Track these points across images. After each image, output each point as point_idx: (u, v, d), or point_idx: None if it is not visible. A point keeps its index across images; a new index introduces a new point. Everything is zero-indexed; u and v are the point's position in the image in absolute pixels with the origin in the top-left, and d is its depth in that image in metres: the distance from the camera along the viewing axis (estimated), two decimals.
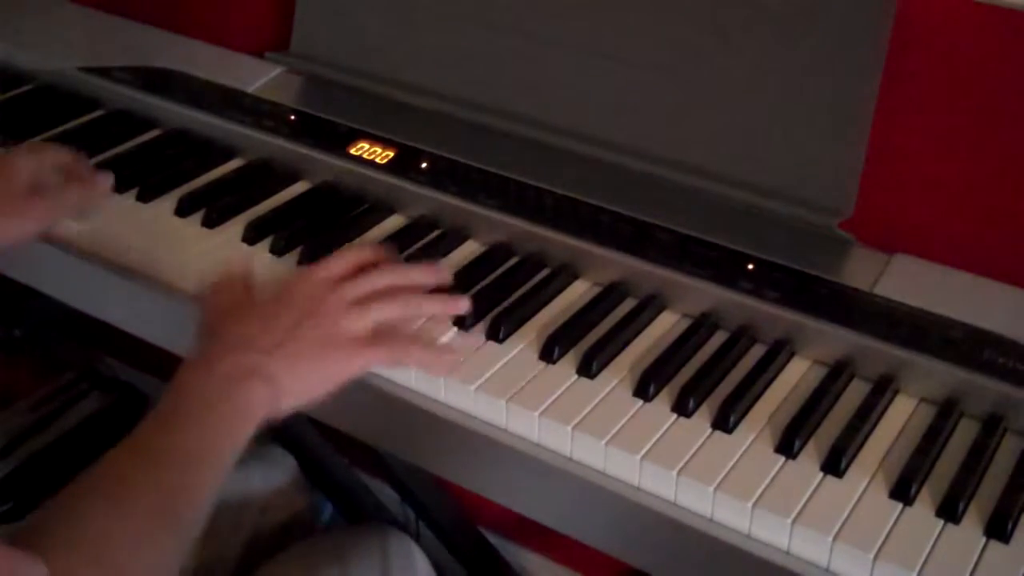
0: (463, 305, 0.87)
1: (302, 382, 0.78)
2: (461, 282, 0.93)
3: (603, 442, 0.78)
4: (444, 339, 0.87)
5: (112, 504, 0.69)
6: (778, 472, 0.76)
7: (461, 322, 0.88)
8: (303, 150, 1.08)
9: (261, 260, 0.97)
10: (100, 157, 1.11)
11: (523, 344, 0.88)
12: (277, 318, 0.79)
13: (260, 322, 0.79)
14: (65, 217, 0.98)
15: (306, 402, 0.79)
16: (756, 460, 0.77)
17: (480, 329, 0.88)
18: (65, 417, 1.57)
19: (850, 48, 0.91)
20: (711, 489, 0.75)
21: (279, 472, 1.19)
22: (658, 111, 1.00)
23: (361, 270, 0.85)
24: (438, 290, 0.87)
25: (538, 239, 0.96)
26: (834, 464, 0.76)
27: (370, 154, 1.06)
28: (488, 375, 0.84)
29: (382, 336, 0.81)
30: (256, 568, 1.05)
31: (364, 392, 0.86)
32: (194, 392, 0.76)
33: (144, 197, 1.05)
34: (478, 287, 0.93)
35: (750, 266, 0.90)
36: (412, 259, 0.97)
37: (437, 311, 0.87)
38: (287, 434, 1.29)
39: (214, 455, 0.74)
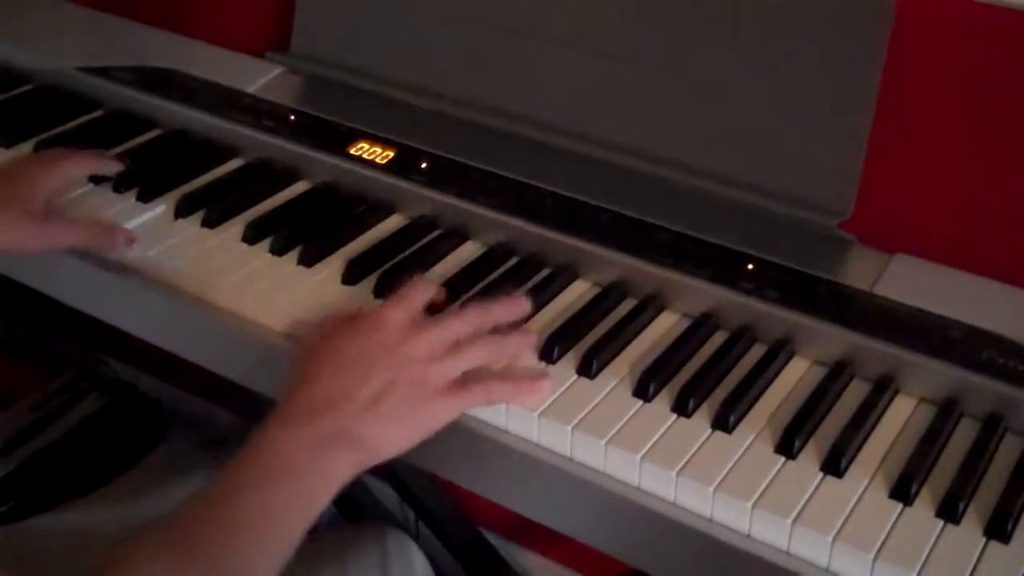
0: (533, 340, 0.85)
1: (392, 439, 0.77)
2: (461, 282, 0.93)
3: (603, 442, 0.78)
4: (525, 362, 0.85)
5: (174, 557, 0.68)
6: (778, 472, 0.76)
7: None
8: (303, 150, 1.08)
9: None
10: (105, 153, 1.11)
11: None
12: (365, 374, 0.77)
13: (351, 380, 0.77)
14: (70, 245, 0.98)
15: (394, 456, 0.78)
16: (756, 460, 0.77)
17: None
18: (65, 417, 1.57)
19: (850, 48, 0.91)
20: (711, 489, 0.74)
21: None
22: (658, 111, 1.00)
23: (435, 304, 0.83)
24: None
25: (538, 239, 0.96)
26: (834, 464, 0.76)
27: (370, 154, 1.06)
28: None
29: (470, 380, 0.80)
30: None
31: None
32: (277, 453, 0.73)
33: (144, 197, 1.05)
34: (478, 287, 0.93)
35: (750, 266, 0.90)
36: (413, 259, 0.97)
37: (521, 351, 0.84)
38: None
39: (289, 522, 0.72)
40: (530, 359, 0.85)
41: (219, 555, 0.69)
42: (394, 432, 0.77)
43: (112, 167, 1.06)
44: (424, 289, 0.84)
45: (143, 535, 0.69)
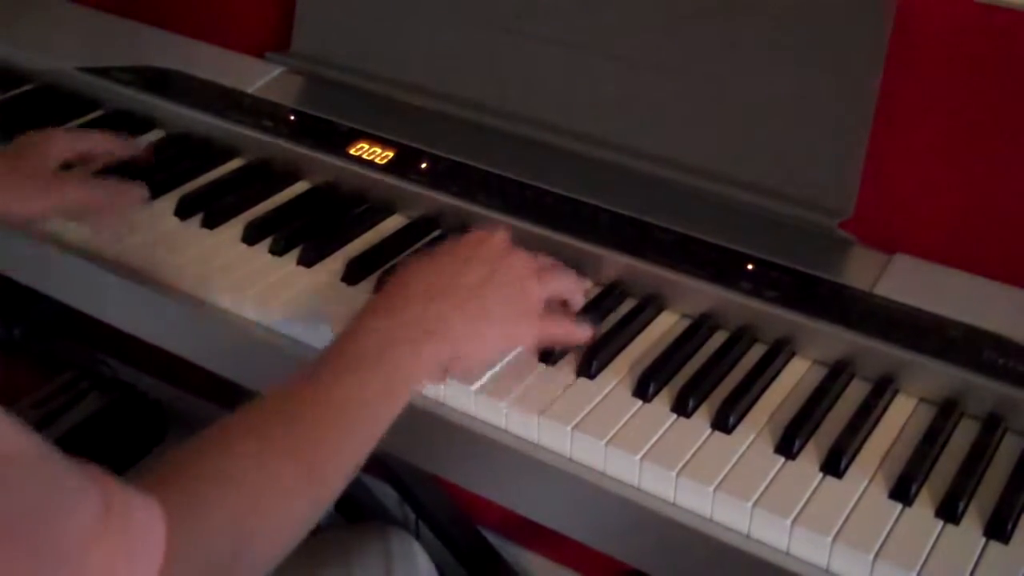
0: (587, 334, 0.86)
1: (479, 339, 0.78)
2: None
3: (603, 442, 0.78)
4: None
5: (256, 449, 0.66)
6: (778, 472, 0.76)
7: None
8: (303, 150, 1.08)
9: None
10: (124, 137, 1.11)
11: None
12: (464, 273, 0.79)
13: (448, 276, 0.79)
14: (85, 206, 0.98)
15: (477, 364, 0.79)
16: (756, 460, 0.77)
17: None
18: (65, 417, 1.57)
19: (850, 48, 0.91)
20: (711, 489, 0.74)
21: None
22: (658, 111, 1.00)
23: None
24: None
25: (538, 239, 0.96)
26: (834, 464, 0.76)
27: (370, 154, 1.06)
28: (488, 376, 0.84)
29: (551, 313, 0.83)
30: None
31: None
32: (371, 337, 0.74)
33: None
34: None
35: (750, 266, 0.90)
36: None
37: (580, 300, 0.89)
38: None
39: (378, 411, 0.72)
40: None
41: (314, 436, 0.68)
42: (484, 331, 0.78)
43: (128, 149, 1.07)
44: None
45: (215, 430, 0.67)
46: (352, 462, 0.71)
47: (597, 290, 0.94)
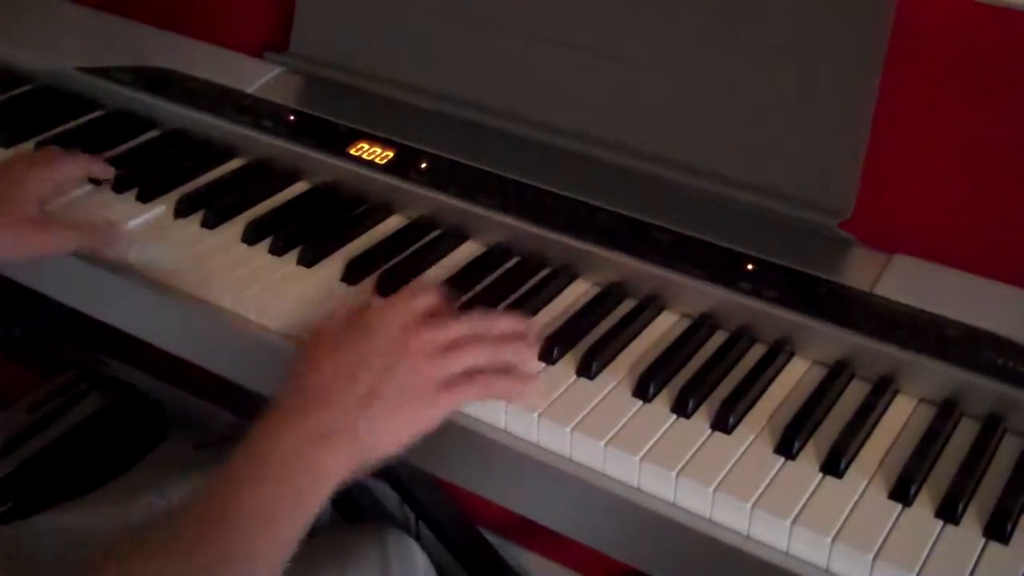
0: (534, 350, 0.85)
1: (386, 436, 0.76)
2: (461, 283, 0.93)
3: (602, 443, 0.78)
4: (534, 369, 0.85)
5: (166, 559, 0.67)
6: (777, 473, 0.76)
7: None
8: (303, 150, 1.08)
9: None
10: (100, 157, 1.11)
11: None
12: (361, 368, 0.76)
13: (343, 375, 0.76)
14: (66, 250, 0.98)
15: (390, 454, 0.76)
16: (755, 461, 0.77)
17: None
18: (65, 417, 1.57)
19: (850, 48, 0.91)
20: (710, 490, 0.74)
21: None
22: (658, 111, 1.00)
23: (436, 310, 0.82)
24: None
25: (538, 239, 0.96)
26: (833, 465, 0.76)
27: (370, 154, 1.06)
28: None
29: (467, 377, 0.78)
30: None
31: None
32: (270, 451, 0.72)
33: (143, 197, 1.05)
34: (478, 288, 0.93)
35: (750, 266, 0.90)
36: (413, 259, 0.97)
37: (520, 354, 0.83)
38: None
39: (286, 521, 0.71)
40: (531, 364, 0.84)
41: (215, 558, 0.68)
42: (389, 428, 0.76)
43: (105, 172, 1.06)
44: (426, 292, 0.82)
45: (136, 536, 0.68)
46: (260, 564, 0.70)
47: (597, 290, 0.94)
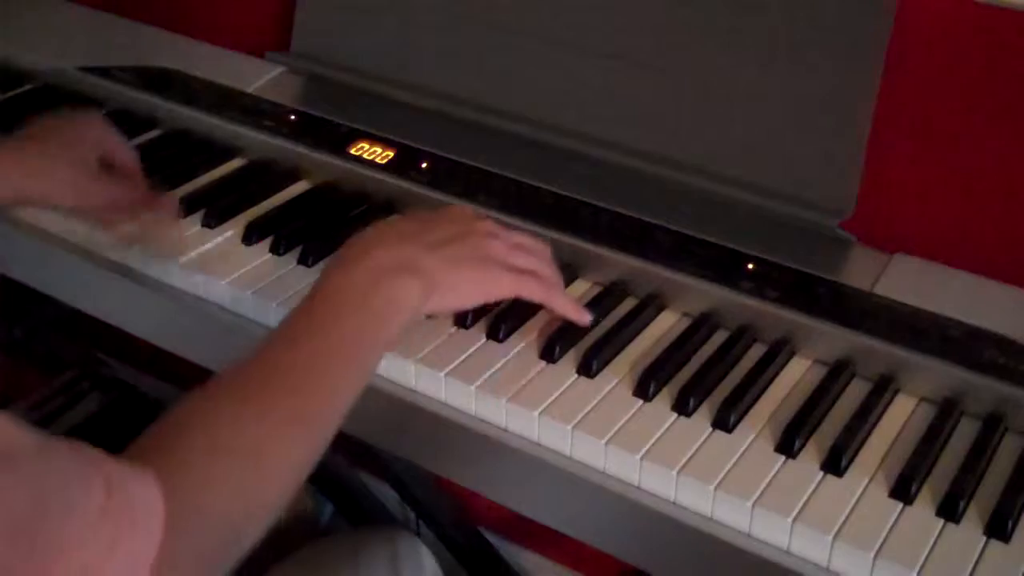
0: (586, 319, 0.87)
1: (457, 284, 0.77)
2: None
3: (603, 441, 0.78)
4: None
5: (244, 410, 0.65)
6: (778, 471, 0.76)
7: (462, 320, 0.88)
8: (303, 150, 1.08)
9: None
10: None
11: (524, 343, 0.88)
12: (432, 225, 0.78)
13: (416, 225, 0.78)
14: (112, 217, 0.96)
15: (455, 306, 0.78)
16: (756, 459, 0.77)
17: (481, 329, 0.89)
18: (65, 417, 1.57)
19: (850, 48, 0.91)
20: (711, 488, 0.75)
21: None
22: (658, 111, 1.00)
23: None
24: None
25: (538, 238, 0.96)
26: (834, 463, 0.76)
27: (370, 154, 1.06)
28: (488, 375, 0.84)
29: (528, 271, 0.82)
30: (264, 570, 1.05)
31: (364, 392, 0.86)
32: (340, 288, 0.72)
33: None
34: None
35: (750, 266, 0.90)
36: None
37: (568, 307, 0.86)
38: None
39: (361, 353, 0.71)
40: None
41: (292, 399, 0.66)
42: (460, 277, 0.77)
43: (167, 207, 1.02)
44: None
45: (196, 396, 0.65)
46: (347, 397, 0.70)
47: (597, 290, 0.94)
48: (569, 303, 0.86)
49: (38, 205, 0.98)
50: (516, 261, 0.82)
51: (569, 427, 0.79)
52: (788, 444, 0.78)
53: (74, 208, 0.95)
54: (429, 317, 0.86)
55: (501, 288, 0.81)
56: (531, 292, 0.83)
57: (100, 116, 1.05)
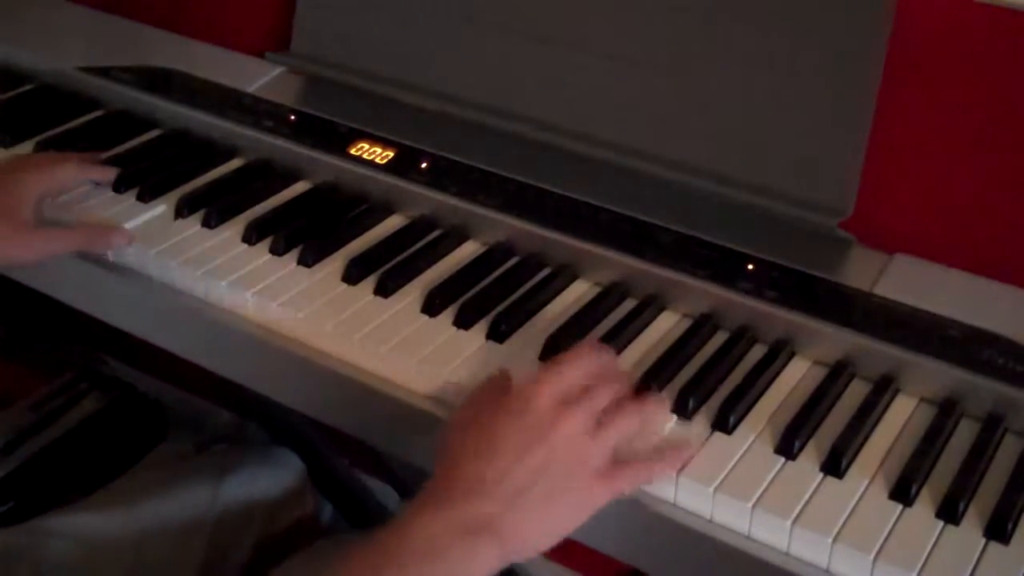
0: (666, 400, 0.81)
1: (539, 533, 0.72)
2: (461, 283, 0.93)
3: None
4: (667, 428, 0.80)
5: None
6: (778, 473, 0.76)
7: (462, 321, 0.88)
8: (303, 150, 1.08)
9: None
10: (98, 160, 1.11)
11: (526, 345, 0.88)
12: (518, 458, 0.71)
13: (500, 464, 0.71)
14: (64, 252, 0.98)
15: (540, 550, 0.73)
16: (756, 461, 0.77)
17: (482, 330, 0.89)
18: (65, 417, 1.57)
19: (850, 48, 0.91)
20: (711, 490, 0.74)
21: (287, 474, 1.19)
22: (658, 111, 1.00)
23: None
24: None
25: (538, 239, 0.96)
26: (834, 465, 0.76)
27: (370, 154, 1.06)
28: (488, 375, 0.83)
29: (619, 463, 0.75)
30: (267, 571, 1.05)
31: (364, 392, 0.86)
32: (421, 535, 0.69)
33: (144, 197, 1.05)
34: (478, 287, 0.93)
35: (750, 266, 0.90)
36: (413, 259, 0.97)
37: (660, 417, 0.80)
38: (292, 436, 1.29)
39: None
40: (664, 417, 0.80)
41: None
42: (543, 523, 0.72)
43: (104, 175, 1.06)
44: (570, 363, 0.77)
45: None
46: None
47: (597, 290, 0.94)
48: (669, 465, 0.76)
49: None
50: (610, 447, 0.74)
51: None
52: (788, 445, 0.78)
53: (23, 264, 0.97)
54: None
55: (596, 507, 0.74)
56: (632, 487, 0.76)
57: (24, 161, 1.06)
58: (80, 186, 1.05)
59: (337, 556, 0.69)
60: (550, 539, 0.73)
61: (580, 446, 0.73)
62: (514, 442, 0.72)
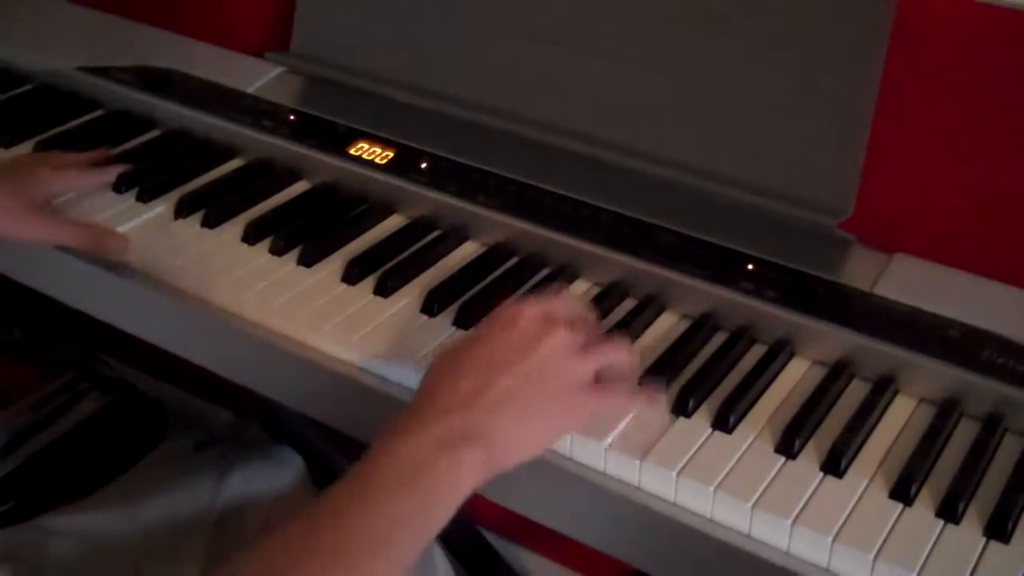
0: (660, 395, 0.81)
1: (522, 440, 0.71)
2: (460, 283, 0.93)
3: (603, 444, 0.78)
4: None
5: None
6: (778, 472, 0.76)
7: (462, 322, 0.88)
8: (303, 150, 1.08)
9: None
10: (105, 166, 1.10)
11: None
12: (496, 367, 0.71)
13: (478, 374, 0.71)
14: (62, 243, 0.99)
15: (524, 460, 0.72)
16: (756, 460, 0.77)
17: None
18: (65, 417, 1.57)
19: (850, 48, 0.91)
20: (711, 489, 0.74)
21: (287, 473, 1.19)
22: (658, 111, 1.00)
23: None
24: None
25: (538, 239, 0.96)
26: (834, 464, 0.76)
27: (370, 154, 1.06)
28: None
29: (602, 383, 0.75)
30: None
31: (363, 392, 0.86)
32: (399, 458, 0.67)
33: (143, 197, 1.05)
34: (478, 287, 0.93)
35: (750, 266, 0.90)
36: (413, 259, 0.97)
37: (635, 360, 0.80)
38: (292, 435, 1.29)
39: (414, 532, 0.66)
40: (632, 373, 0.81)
41: (347, 567, 0.63)
42: (527, 430, 0.72)
43: (104, 178, 1.07)
44: (563, 299, 0.78)
45: (246, 556, 0.63)
46: None
47: (597, 290, 0.94)
48: (647, 400, 0.79)
49: None
50: (595, 365, 0.75)
51: None
52: (788, 445, 0.78)
53: (33, 241, 0.99)
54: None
55: (573, 426, 0.75)
56: (611, 405, 0.77)
57: (41, 155, 1.08)
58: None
59: (313, 506, 0.67)
60: (536, 447, 0.73)
61: (565, 358, 0.73)
62: (495, 356, 0.72)
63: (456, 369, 0.72)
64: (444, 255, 0.98)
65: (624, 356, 0.78)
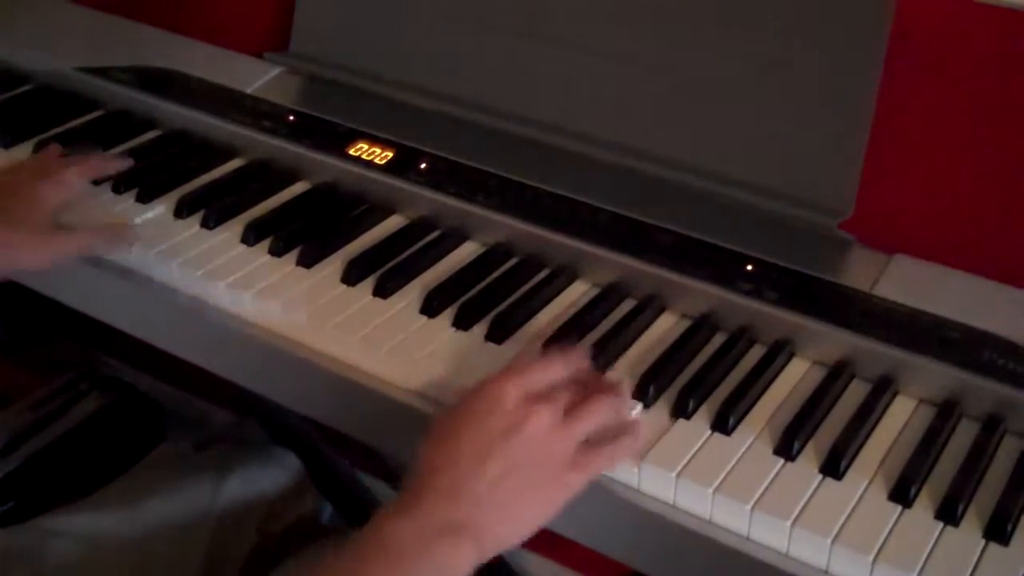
0: (624, 388, 0.81)
1: (513, 527, 0.72)
2: (460, 283, 0.93)
3: None
4: (634, 413, 0.82)
5: None
6: (777, 474, 0.76)
7: (462, 323, 0.88)
8: (302, 150, 1.08)
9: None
10: (100, 155, 1.11)
11: (524, 345, 0.87)
12: (482, 458, 0.72)
13: (469, 468, 0.72)
14: (81, 254, 0.98)
15: (517, 543, 0.73)
16: (755, 462, 0.77)
17: (481, 330, 0.89)
18: (65, 417, 1.57)
19: (850, 48, 0.91)
20: (710, 491, 0.74)
21: (286, 474, 1.19)
22: (658, 111, 1.00)
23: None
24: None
25: (538, 239, 0.96)
26: (833, 466, 0.76)
27: (369, 154, 1.06)
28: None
29: (586, 451, 0.74)
30: (267, 571, 1.05)
31: (363, 393, 0.86)
32: (392, 542, 0.69)
33: (143, 198, 1.05)
34: (478, 288, 0.93)
35: (750, 267, 0.90)
36: (413, 259, 0.97)
37: (624, 414, 0.80)
38: (291, 436, 1.29)
39: None
40: (627, 406, 0.82)
41: None
42: (516, 518, 0.72)
43: (115, 165, 1.06)
44: (543, 367, 0.77)
45: None
46: None
47: (596, 290, 0.94)
48: (632, 446, 0.77)
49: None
50: (576, 440, 0.74)
51: None
52: (787, 447, 0.78)
53: (41, 266, 0.97)
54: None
55: (568, 497, 0.74)
56: (598, 472, 0.77)
57: (32, 169, 1.04)
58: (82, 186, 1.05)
59: (317, 564, 0.69)
60: (526, 532, 0.73)
61: (549, 440, 0.73)
62: (485, 443, 0.73)
63: (442, 459, 0.73)
64: (444, 255, 0.98)
65: (609, 410, 0.77)
